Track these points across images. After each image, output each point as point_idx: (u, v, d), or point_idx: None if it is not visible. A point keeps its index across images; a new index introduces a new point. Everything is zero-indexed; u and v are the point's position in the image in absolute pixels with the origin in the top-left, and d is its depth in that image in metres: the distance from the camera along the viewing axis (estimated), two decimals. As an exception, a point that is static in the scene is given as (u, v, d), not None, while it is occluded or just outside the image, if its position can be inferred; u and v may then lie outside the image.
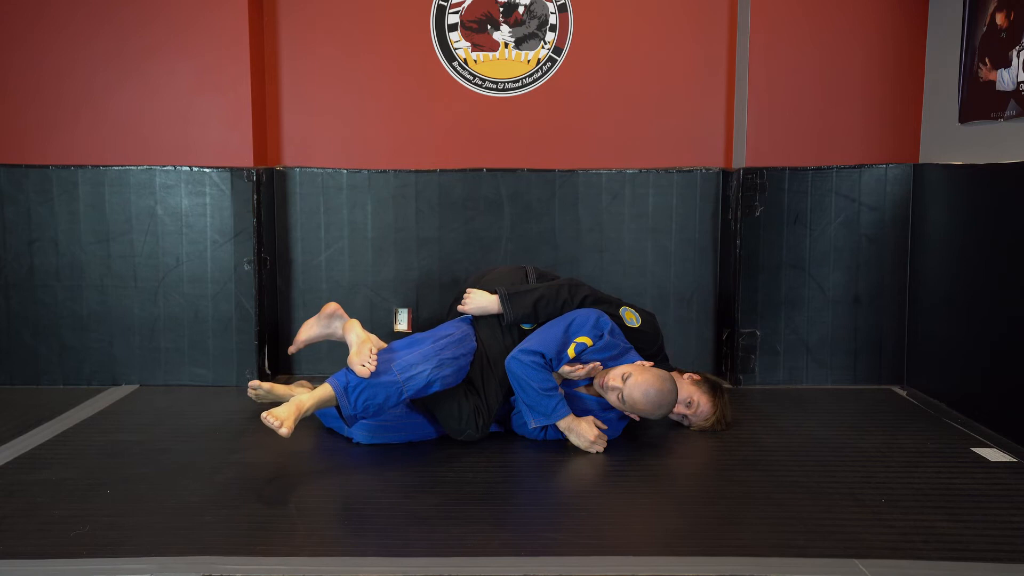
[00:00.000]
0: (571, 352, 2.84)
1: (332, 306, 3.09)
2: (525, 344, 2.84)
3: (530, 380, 2.77)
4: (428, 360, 2.73)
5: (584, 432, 2.80)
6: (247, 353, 3.64)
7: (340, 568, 2.04)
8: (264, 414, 2.51)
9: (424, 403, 2.86)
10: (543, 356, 2.79)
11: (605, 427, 2.86)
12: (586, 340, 2.85)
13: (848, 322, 3.65)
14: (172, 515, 2.32)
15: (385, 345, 2.92)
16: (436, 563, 2.06)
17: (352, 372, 2.68)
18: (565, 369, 2.85)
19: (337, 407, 2.70)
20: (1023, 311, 2.83)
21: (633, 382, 2.76)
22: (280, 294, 3.79)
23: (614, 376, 2.81)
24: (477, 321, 3.02)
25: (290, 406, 2.58)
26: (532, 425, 2.82)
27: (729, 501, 2.44)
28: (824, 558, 2.09)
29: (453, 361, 2.78)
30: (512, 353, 2.83)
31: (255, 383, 3.20)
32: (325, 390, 2.67)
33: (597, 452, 2.81)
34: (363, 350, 2.72)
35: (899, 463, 2.74)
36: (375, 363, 2.68)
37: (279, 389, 3.21)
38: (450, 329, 2.92)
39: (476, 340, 2.94)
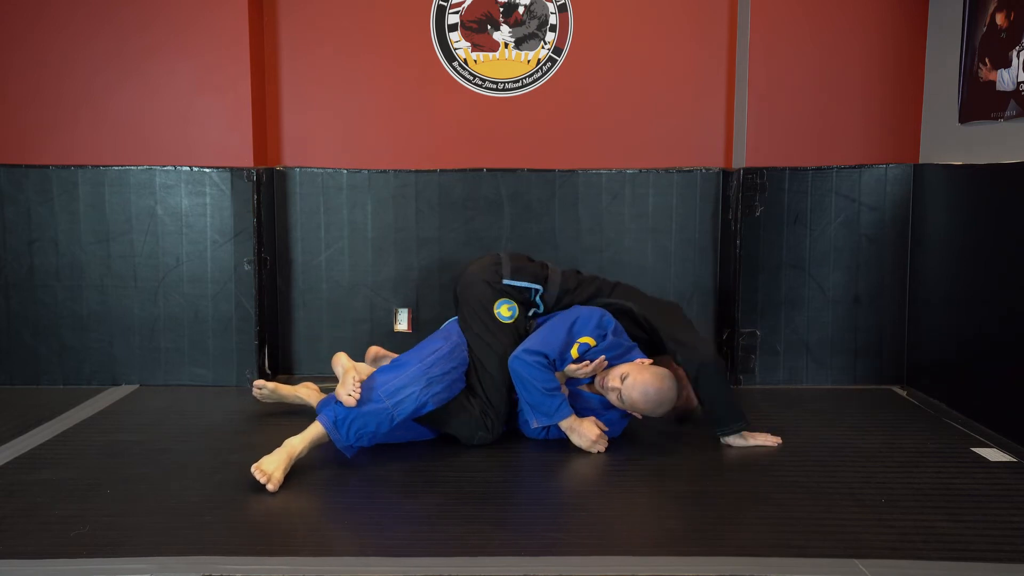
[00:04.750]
0: (574, 352, 2.82)
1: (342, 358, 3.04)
2: (528, 344, 2.82)
3: (533, 379, 2.76)
4: (416, 381, 2.69)
5: (586, 432, 2.80)
6: (247, 353, 3.64)
7: (340, 568, 2.04)
8: (253, 467, 2.48)
9: (431, 421, 2.83)
10: (546, 356, 2.78)
11: (607, 428, 2.86)
12: (589, 340, 2.84)
13: (848, 322, 3.65)
14: (172, 515, 2.32)
15: (372, 370, 2.89)
16: (436, 563, 2.06)
17: (340, 405, 2.65)
18: (571, 367, 2.84)
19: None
20: (1023, 311, 2.83)
21: (631, 383, 2.76)
22: (280, 294, 3.79)
23: (613, 376, 2.81)
24: (465, 326, 2.96)
25: (280, 454, 2.56)
26: (534, 425, 2.81)
27: (729, 501, 2.44)
28: (824, 558, 2.09)
29: (443, 377, 2.74)
30: (515, 352, 2.81)
31: (259, 382, 3.20)
32: (316, 428, 2.65)
33: (599, 452, 2.80)
34: (347, 380, 2.68)
35: (899, 463, 2.74)
36: (359, 392, 2.64)
37: (283, 389, 3.20)
38: (438, 343, 2.87)
39: (468, 348, 2.89)
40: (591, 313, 2.90)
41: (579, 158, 3.76)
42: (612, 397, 2.82)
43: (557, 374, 2.84)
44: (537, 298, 3.03)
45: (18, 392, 3.55)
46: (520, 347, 2.82)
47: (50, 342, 3.63)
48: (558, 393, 2.79)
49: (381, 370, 2.79)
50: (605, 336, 2.86)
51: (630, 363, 2.85)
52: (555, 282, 3.05)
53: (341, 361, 2.96)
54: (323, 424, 2.65)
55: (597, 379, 2.89)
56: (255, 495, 2.47)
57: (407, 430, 2.87)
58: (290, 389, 3.21)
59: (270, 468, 2.50)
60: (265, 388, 3.20)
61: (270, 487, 2.47)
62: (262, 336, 3.66)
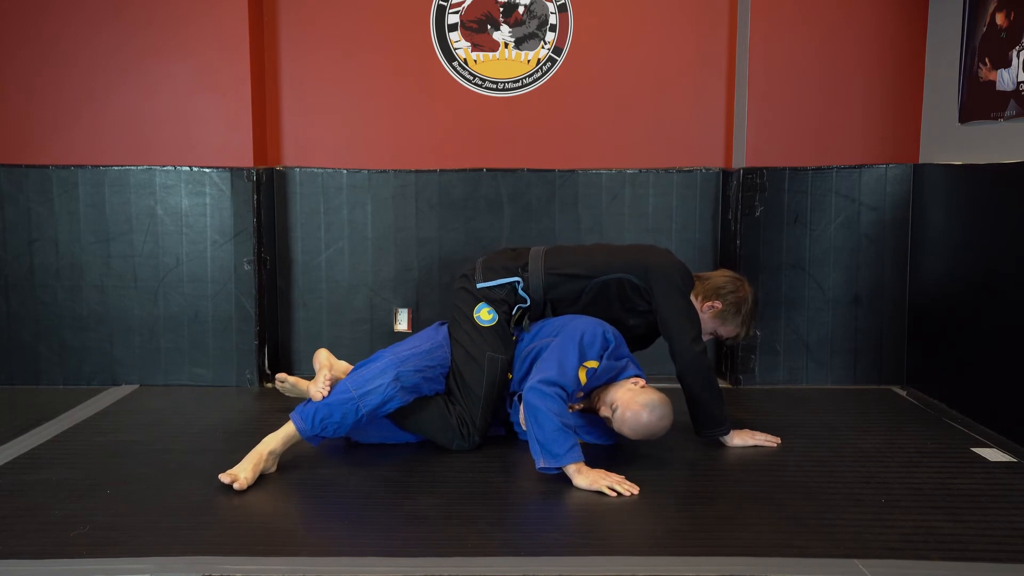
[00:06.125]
0: (583, 378, 2.67)
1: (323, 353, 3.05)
2: (545, 374, 2.60)
3: (550, 412, 2.51)
4: (384, 374, 2.67)
5: (597, 477, 2.52)
6: (247, 353, 3.64)
7: (340, 568, 2.04)
8: (221, 475, 2.50)
9: (409, 425, 2.82)
10: (564, 389, 2.58)
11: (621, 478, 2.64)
12: (595, 364, 2.70)
13: (848, 322, 3.65)
14: (172, 515, 2.32)
15: (350, 368, 2.91)
16: (436, 563, 2.06)
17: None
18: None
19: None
20: (1023, 311, 2.83)
21: (621, 416, 2.63)
22: (280, 294, 3.79)
23: (603, 405, 2.71)
24: (452, 333, 2.92)
25: (252, 455, 2.58)
26: (540, 465, 2.54)
27: (729, 501, 2.44)
28: (824, 558, 2.09)
29: (414, 374, 2.71)
30: (531, 384, 2.59)
31: (282, 376, 3.21)
32: (289, 425, 2.66)
33: (618, 494, 2.47)
34: (319, 377, 2.74)
35: (899, 463, 2.74)
36: (328, 389, 2.68)
37: (303, 384, 3.21)
38: (418, 340, 2.86)
39: (452, 356, 2.86)
40: (594, 332, 2.73)
41: (579, 158, 3.76)
42: (607, 422, 2.74)
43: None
44: (521, 290, 2.92)
45: (18, 392, 3.55)
46: (536, 377, 2.61)
47: (50, 342, 3.63)
48: (572, 434, 2.55)
49: (357, 365, 2.81)
50: (604, 353, 2.73)
51: (621, 387, 2.71)
52: (537, 268, 2.93)
53: (320, 359, 2.97)
54: (291, 417, 2.66)
55: (592, 400, 2.80)
56: (255, 495, 2.47)
57: (386, 430, 2.86)
58: (309, 384, 3.21)
59: (235, 470, 2.52)
60: (287, 382, 3.21)
61: (237, 486, 2.47)
62: (262, 336, 3.66)
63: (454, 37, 3.72)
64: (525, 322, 2.97)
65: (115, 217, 3.59)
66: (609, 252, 3.03)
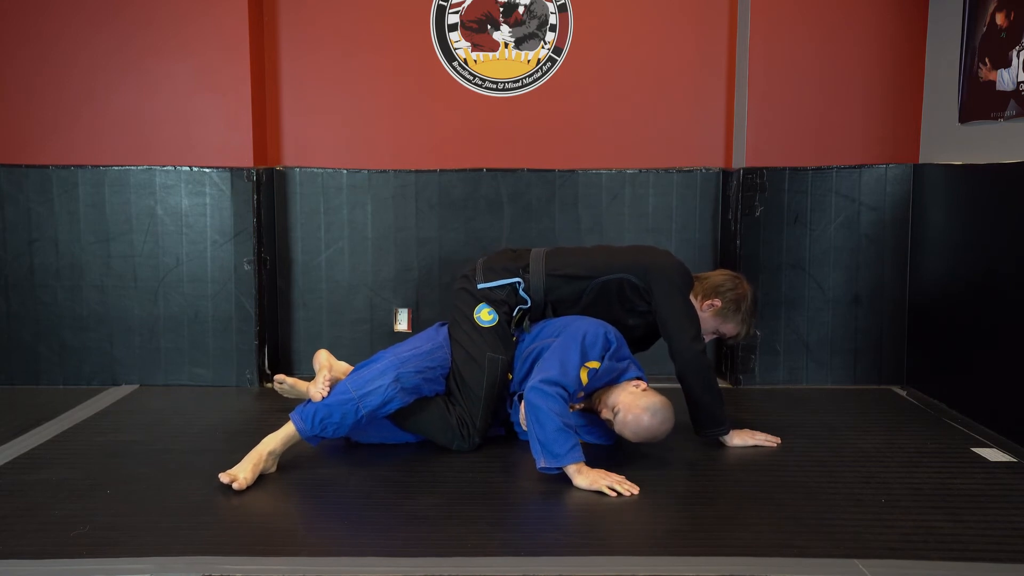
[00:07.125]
0: (584, 378, 2.68)
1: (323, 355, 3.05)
2: (547, 373, 2.60)
3: (551, 412, 2.52)
4: (384, 375, 2.67)
5: (597, 477, 2.52)
6: (247, 353, 3.64)
7: (340, 568, 2.04)
8: (221, 475, 2.51)
9: (409, 424, 2.82)
10: (565, 389, 2.59)
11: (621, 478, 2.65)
12: (596, 364, 2.70)
13: (848, 322, 3.65)
14: (172, 515, 2.32)
15: (350, 368, 2.91)
16: (436, 563, 2.06)
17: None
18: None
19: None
20: (1023, 311, 2.83)
21: (623, 419, 2.64)
22: (280, 294, 3.79)
23: (605, 407, 2.72)
24: (453, 327, 2.92)
25: (252, 455, 2.58)
26: (541, 465, 2.54)
27: (729, 501, 2.44)
28: (824, 558, 2.09)
29: (414, 375, 2.71)
30: (532, 383, 2.59)
31: (280, 377, 3.21)
32: (289, 425, 2.66)
33: (618, 494, 2.48)
34: (319, 377, 2.74)
35: (899, 463, 2.74)
36: (328, 389, 2.68)
37: (302, 385, 3.21)
38: (419, 341, 2.86)
39: (452, 357, 2.85)
40: (596, 332, 2.74)
41: (579, 158, 3.76)
42: (607, 424, 2.74)
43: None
44: (522, 291, 2.91)
45: (18, 392, 3.55)
46: (537, 376, 2.61)
47: (50, 342, 3.64)
48: (572, 434, 2.54)
49: (358, 366, 2.81)
50: (604, 354, 2.73)
51: (623, 389, 2.71)
52: (537, 270, 2.92)
53: (320, 359, 2.97)
54: (291, 417, 2.66)
55: (592, 402, 2.81)
56: (255, 495, 2.47)
57: (386, 430, 2.85)
58: (308, 385, 3.21)
59: (235, 470, 2.53)
60: (285, 383, 3.21)
61: (236, 486, 2.47)
62: (262, 336, 3.66)
63: (454, 37, 3.72)
64: (526, 323, 2.96)
65: (115, 217, 3.59)
66: (609, 253, 3.03)
